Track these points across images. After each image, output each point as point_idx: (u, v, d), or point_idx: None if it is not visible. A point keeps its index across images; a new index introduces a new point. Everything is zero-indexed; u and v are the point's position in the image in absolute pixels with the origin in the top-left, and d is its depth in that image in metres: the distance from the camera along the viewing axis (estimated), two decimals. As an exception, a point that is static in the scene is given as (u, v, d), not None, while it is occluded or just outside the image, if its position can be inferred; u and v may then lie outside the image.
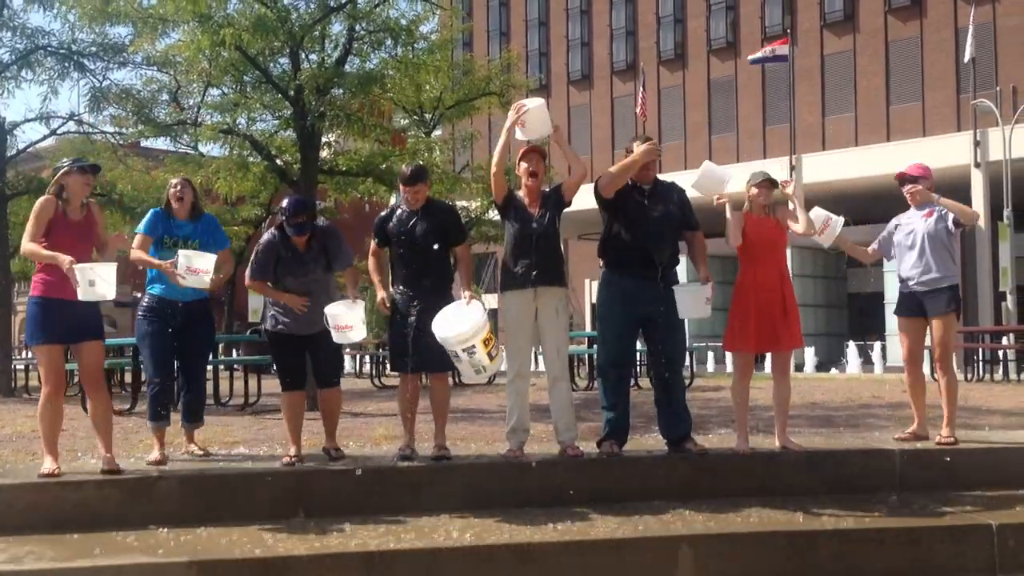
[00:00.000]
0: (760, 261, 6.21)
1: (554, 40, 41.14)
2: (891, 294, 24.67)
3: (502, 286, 6.20)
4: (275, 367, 6.52)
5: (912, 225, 6.61)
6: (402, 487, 5.82)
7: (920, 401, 6.65)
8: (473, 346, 5.79)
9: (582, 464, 6.03)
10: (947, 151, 27.25)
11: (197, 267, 5.87)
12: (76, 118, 16.59)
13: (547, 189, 6.26)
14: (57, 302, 5.64)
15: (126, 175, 19.38)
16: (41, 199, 5.78)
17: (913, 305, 6.57)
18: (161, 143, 17.37)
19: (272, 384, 9.53)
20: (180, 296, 6.15)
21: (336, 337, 6.02)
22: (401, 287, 6.15)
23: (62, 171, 5.82)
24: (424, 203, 6.18)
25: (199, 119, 12.96)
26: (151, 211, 6.42)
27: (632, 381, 6.48)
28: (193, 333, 6.30)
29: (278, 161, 11.69)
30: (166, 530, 5.19)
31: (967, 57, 27.82)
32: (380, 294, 6.14)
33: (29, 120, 16.01)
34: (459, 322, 5.81)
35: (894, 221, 6.81)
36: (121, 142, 17.96)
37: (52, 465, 5.60)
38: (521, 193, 6.19)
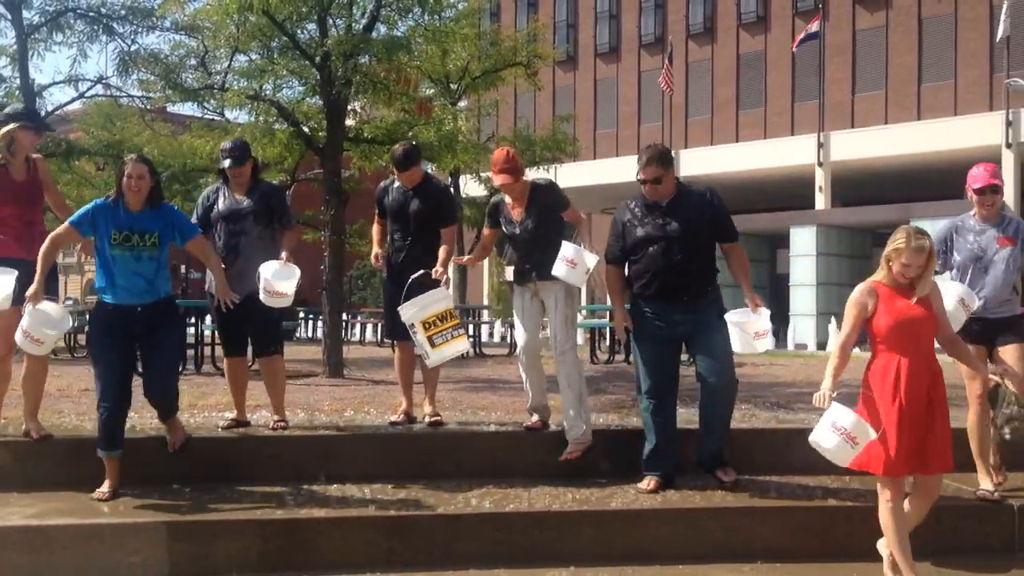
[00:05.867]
0: (905, 350, 4.58)
1: (582, 11, 40.77)
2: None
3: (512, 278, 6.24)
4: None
5: (985, 246, 5.53)
6: (422, 454, 5.86)
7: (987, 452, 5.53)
8: (412, 325, 5.76)
9: (605, 436, 6.02)
10: (978, 131, 26.88)
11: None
12: (104, 81, 16.74)
13: (540, 182, 6.14)
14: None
15: (153, 139, 19.53)
16: None
17: (974, 332, 5.45)
18: (188, 108, 17.46)
19: (291, 351, 9.56)
20: (138, 300, 5.28)
21: (263, 298, 5.77)
22: (398, 258, 6.33)
23: (13, 126, 5.54)
24: (420, 182, 6.30)
25: (226, 85, 12.94)
26: (92, 202, 5.43)
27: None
28: (156, 336, 5.33)
29: (304, 128, 11.68)
30: (189, 489, 5.26)
31: (1000, 35, 27.38)
32: (375, 250, 6.46)
33: (58, 83, 16.17)
34: (407, 302, 5.83)
35: (951, 231, 5.66)
36: (148, 107, 18.06)
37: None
38: (507, 197, 6.09)
